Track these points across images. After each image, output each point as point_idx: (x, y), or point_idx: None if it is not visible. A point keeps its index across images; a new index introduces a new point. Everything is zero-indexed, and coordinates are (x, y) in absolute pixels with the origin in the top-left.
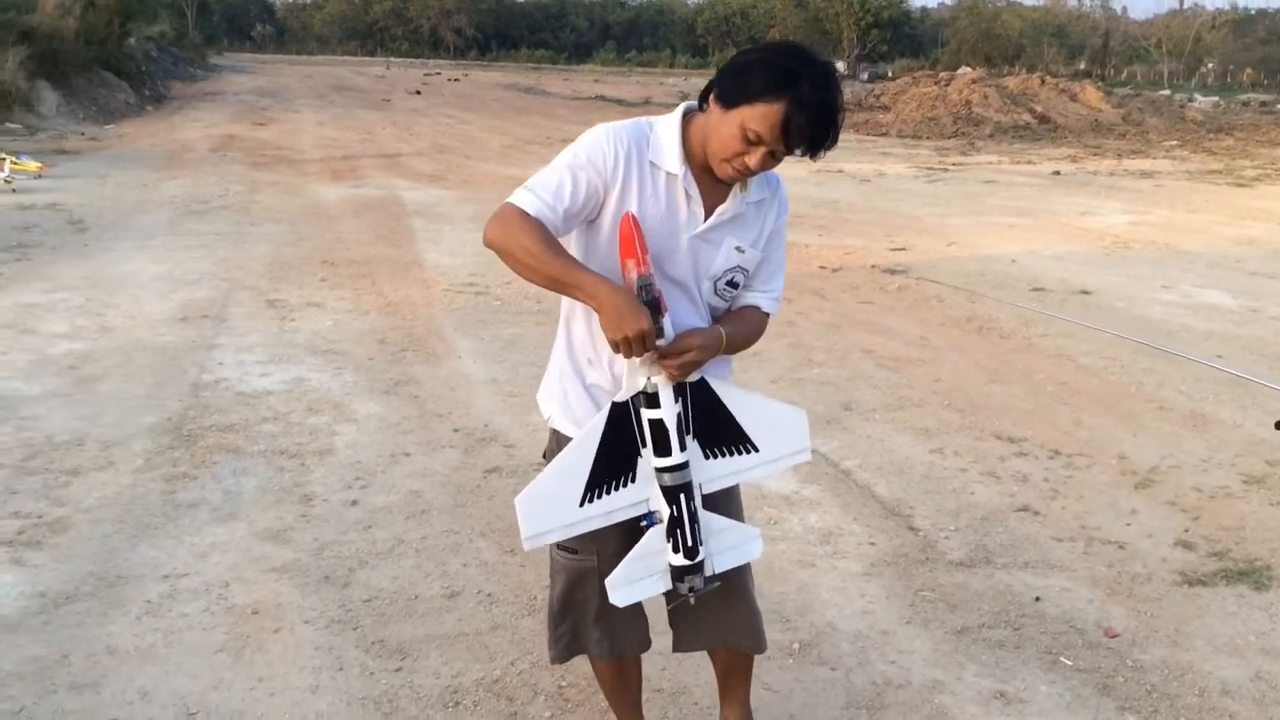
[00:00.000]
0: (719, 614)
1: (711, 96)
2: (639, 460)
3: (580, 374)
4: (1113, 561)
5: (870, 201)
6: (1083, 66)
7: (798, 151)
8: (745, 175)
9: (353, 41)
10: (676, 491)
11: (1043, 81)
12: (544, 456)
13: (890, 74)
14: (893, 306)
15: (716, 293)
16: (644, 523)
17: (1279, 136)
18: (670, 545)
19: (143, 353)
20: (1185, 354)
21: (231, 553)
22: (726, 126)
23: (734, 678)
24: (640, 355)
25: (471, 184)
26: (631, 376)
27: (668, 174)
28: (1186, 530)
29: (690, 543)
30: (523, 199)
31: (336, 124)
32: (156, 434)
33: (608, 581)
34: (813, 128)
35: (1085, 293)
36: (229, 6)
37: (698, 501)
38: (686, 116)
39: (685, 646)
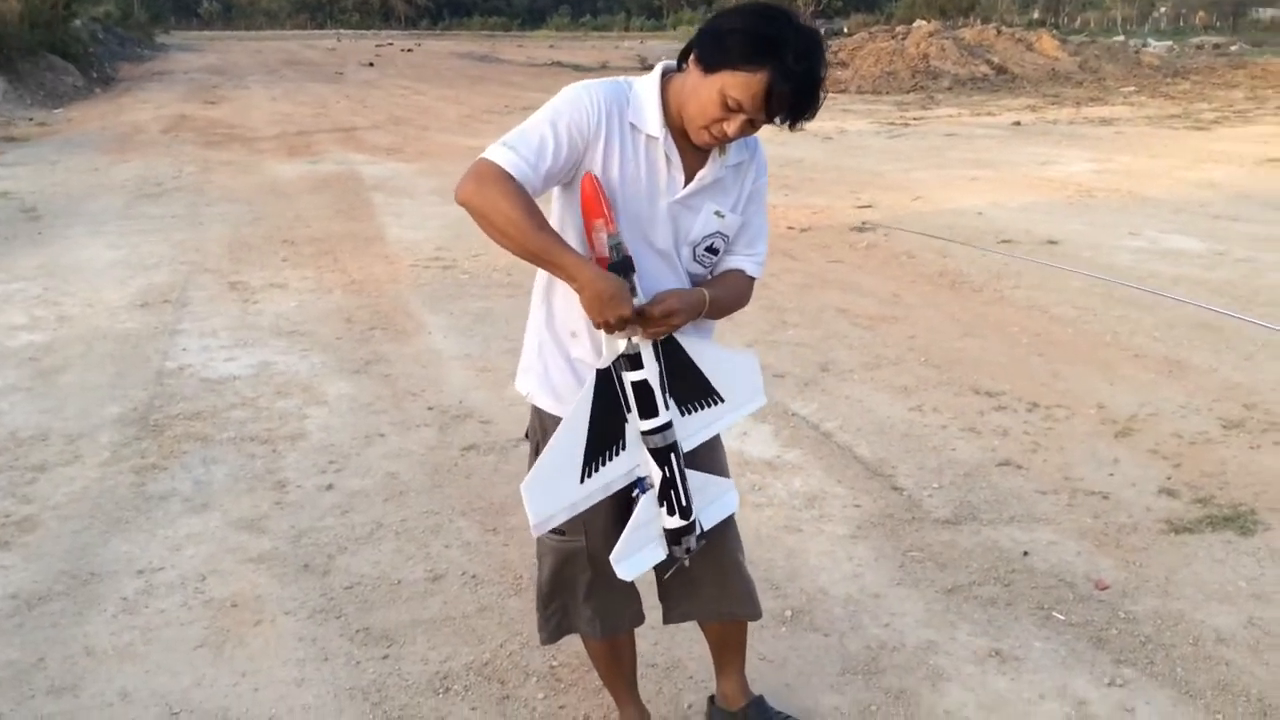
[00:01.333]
0: (712, 584)
1: (691, 57)
2: (626, 426)
3: (562, 347)
4: (1098, 512)
5: (834, 159)
6: (1037, 15)
7: (777, 120)
8: (722, 142)
9: (302, 15)
10: (666, 452)
11: (998, 32)
12: (526, 435)
13: (847, 30)
14: (863, 264)
15: (696, 259)
16: (635, 491)
17: (1234, 79)
18: (664, 509)
19: (104, 341)
20: (1192, 301)
21: (206, 544)
22: (706, 91)
23: (728, 649)
24: (622, 331)
25: (430, 155)
26: (611, 342)
27: (648, 136)
28: (1169, 478)
29: (684, 502)
30: (502, 156)
31: (289, 99)
32: (122, 425)
33: (612, 557)
34: (795, 98)
35: (1052, 242)
36: None
37: (683, 460)
38: (665, 77)
39: (676, 618)
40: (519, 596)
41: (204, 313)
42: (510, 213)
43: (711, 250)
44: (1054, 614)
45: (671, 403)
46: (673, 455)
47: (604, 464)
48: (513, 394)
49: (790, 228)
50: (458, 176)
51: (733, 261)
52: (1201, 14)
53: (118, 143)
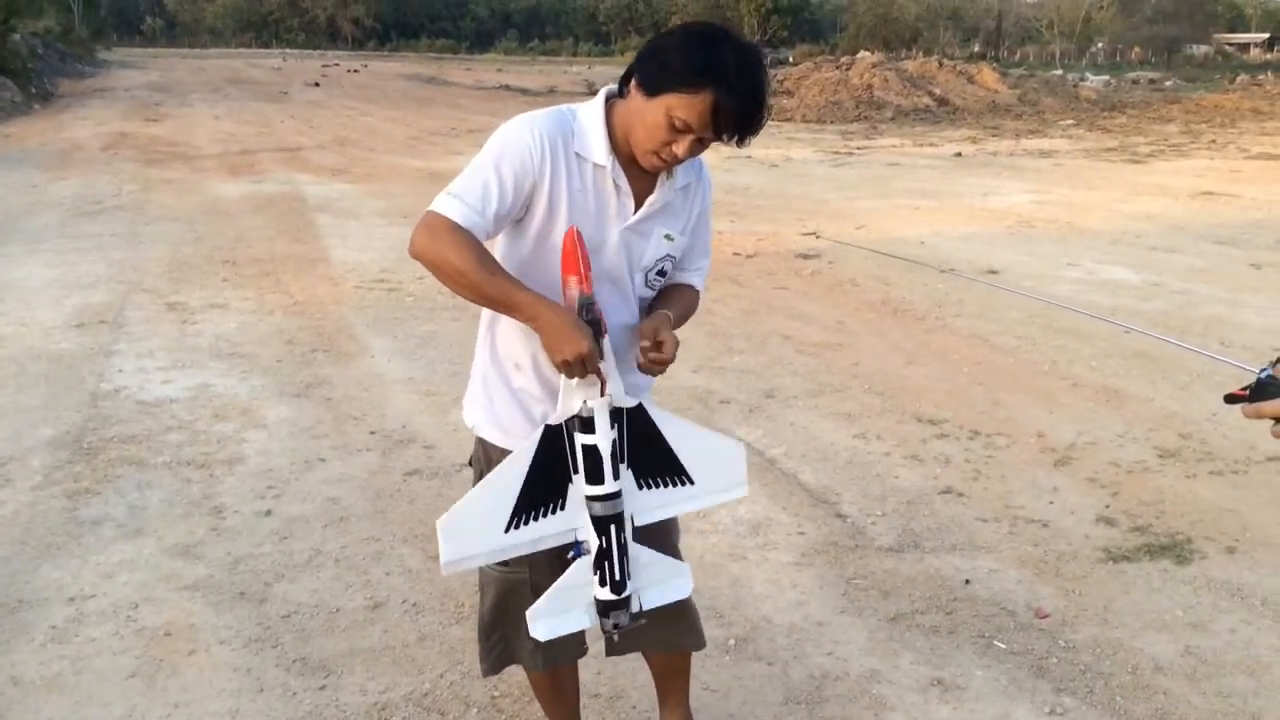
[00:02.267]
0: (657, 613)
1: (633, 82)
2: (570, 487)
3: (506, 379)
4: (1038, 540)
5: (780, 187)
6: (978, 49)
7: (724, 138)
8: (672, 164)
9: (247, 33)
10: (607, 522)
11: (940, 64)
12: (470, 463)
13: (792, 60)
14: (808, 291)
15: (647, 284)
16: (570, 554)
17: (1169, 113)
18: (597, 578)
19: (37, 362)
20: (1169, 340)
21: (140, 571)
22: (651, 115)
23: (672, 679)
24: (583, 376)
25: (376, 177)
26: (567, 399)
27: (595, 165)
28: (1107, 506)
29: (618, 577)
30: (449, 207)
31: (233, 118)
32: (55, 448)
33: (529, 613)
34: (741, 114)
35: (993, 272)
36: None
37: (628, 533)
38: (609, 103)
39: (620, 649)
40: (461, 625)
41: (141, 333)
42: (461, 263)
43: (661, 274)
44: (995, 642)
45: (628, 473)
46: (613, 526)
47: (537, 518)
48: (457, 418)
49: (736, 254)
50: (404, 198)
51: (680, 277)
52: (1137, 49)
53: (57, 160)
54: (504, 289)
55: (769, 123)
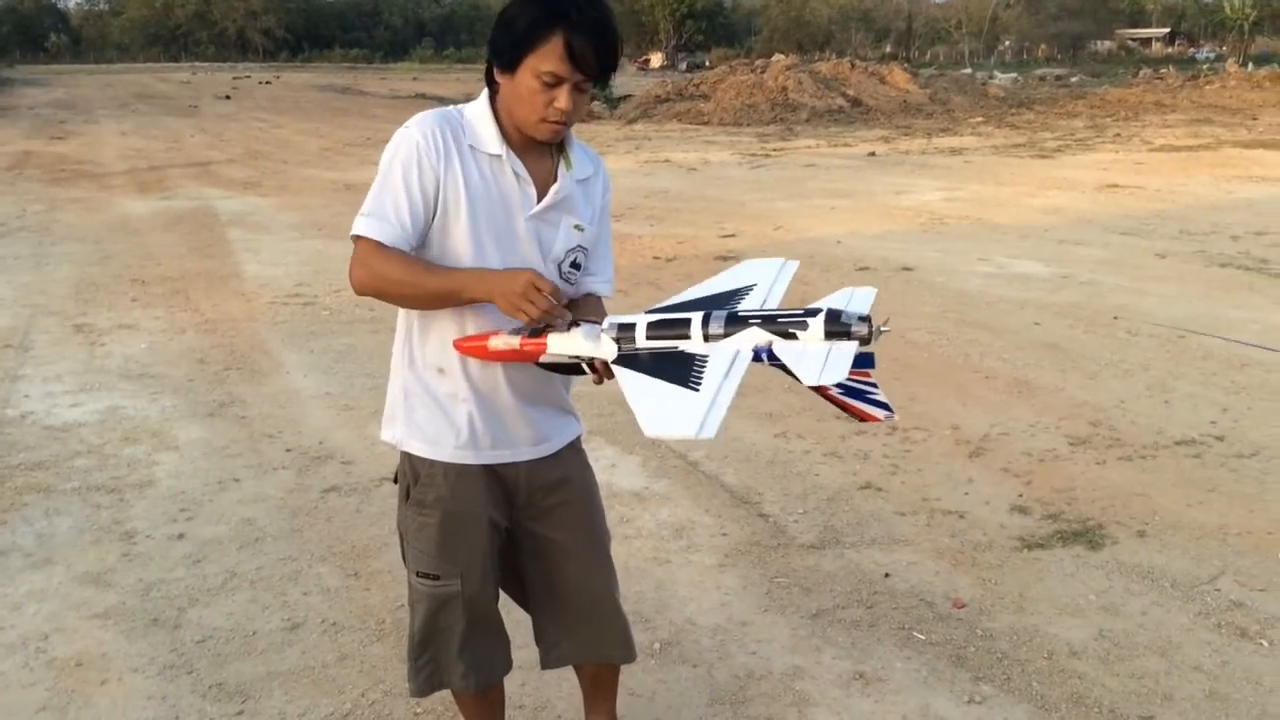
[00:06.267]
0: (588, 624)
1: (496, 71)
2: (682, 345)
3: (429, 388)
4: (955, 531)
5: (698, 190)
6: (889, 50)
7: (590, 74)
8: (565, 122)
9: (155, 48)
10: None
11: (853, 66)
12: (394, 479)
13: (708, 63)
14: None
15: (562, 276)
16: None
17: (1075, 108)
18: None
19: None
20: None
21: (49, 601)
22: (522, 84)
23: (600, 689)
24: (549, 308)
25: (290, 190)
26: (575, 347)
27: (490, 156)
28: (1021, 495)
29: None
30: (370, 228)
31: (141, 134)
32: None
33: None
34: (596, 46)
35: (907, 269)
36: (18, 16)
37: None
38: (492, 100)
39: (554, 662)
40: (382, 643)
41: (48, 357)
42: (400, 274)
43: (575, 265)
44: (915, 634)
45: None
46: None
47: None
48: (375, 432)
49: (656, 258)
50: (318, 210)
51: (589, 285)
52: (1044, 47)
53: None
54: (443, 278)
55: (686, 127)
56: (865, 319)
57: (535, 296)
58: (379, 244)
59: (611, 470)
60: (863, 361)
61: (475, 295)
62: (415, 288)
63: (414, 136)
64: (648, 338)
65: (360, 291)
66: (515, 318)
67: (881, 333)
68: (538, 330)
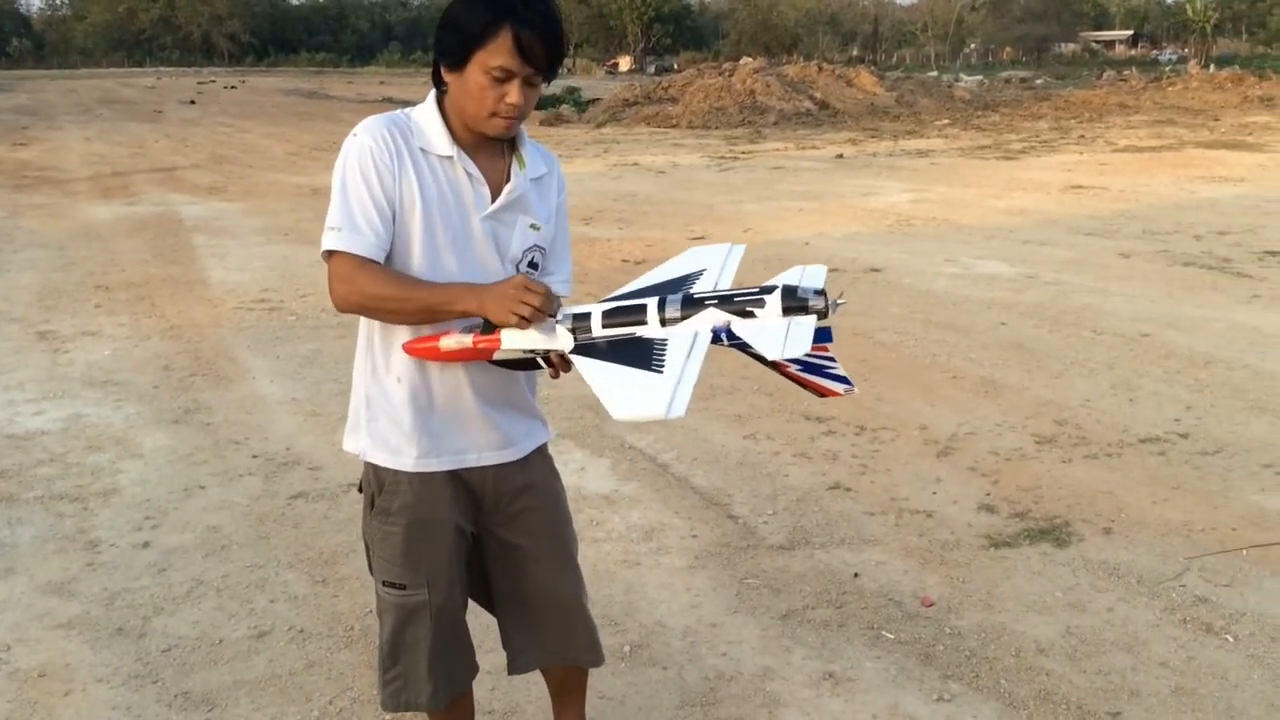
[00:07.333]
0: (555, 629)
1: (443, 70)
2: (643, 330)
3: (390, 397)
4: (923, 531)
5: (667, 193)
6: (856, 53)
7: (538, 67)
8: (516, 116)
9: (119, 53)
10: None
11: (820, 69)
12: (359, 488)
13: (676, 67)
14: None
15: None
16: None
17: (1040, 110)
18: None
19: None
20: None
21: (11, 611)
22: (472, 81)
23: (570, 693)
24: (548, 308)
25: (256, 195)
26: (530, 341)
27: (441, 158)
28: (988, 494)
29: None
30: (344, 243)
31: (105, 139)
32: None
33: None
34: (544, 39)
35: (875, 270)
36: None
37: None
38: (440, 101)
39: (522, 667)
40: (350, 649)
41: (9, 364)
42: (384, 290)
43: (533, 265)
44: (884, 633)
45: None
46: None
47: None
48: (343, 438)
49: (625, 260)
50: (284, 215)
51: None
52: (1008, 49)
53: None
54: (428, 294)
55: (655, 130)
56: (821, 293)
57: (529, 296)
58: (358, 258)
59: (581, 473)
60: (821, 336)
61: (467, 307)
62: (403, 302)
63: (365, 142)
64: (604, 326)
65: (343, 309)
66: (508, 321)
67: (838, 305)
68: (491, 327)
